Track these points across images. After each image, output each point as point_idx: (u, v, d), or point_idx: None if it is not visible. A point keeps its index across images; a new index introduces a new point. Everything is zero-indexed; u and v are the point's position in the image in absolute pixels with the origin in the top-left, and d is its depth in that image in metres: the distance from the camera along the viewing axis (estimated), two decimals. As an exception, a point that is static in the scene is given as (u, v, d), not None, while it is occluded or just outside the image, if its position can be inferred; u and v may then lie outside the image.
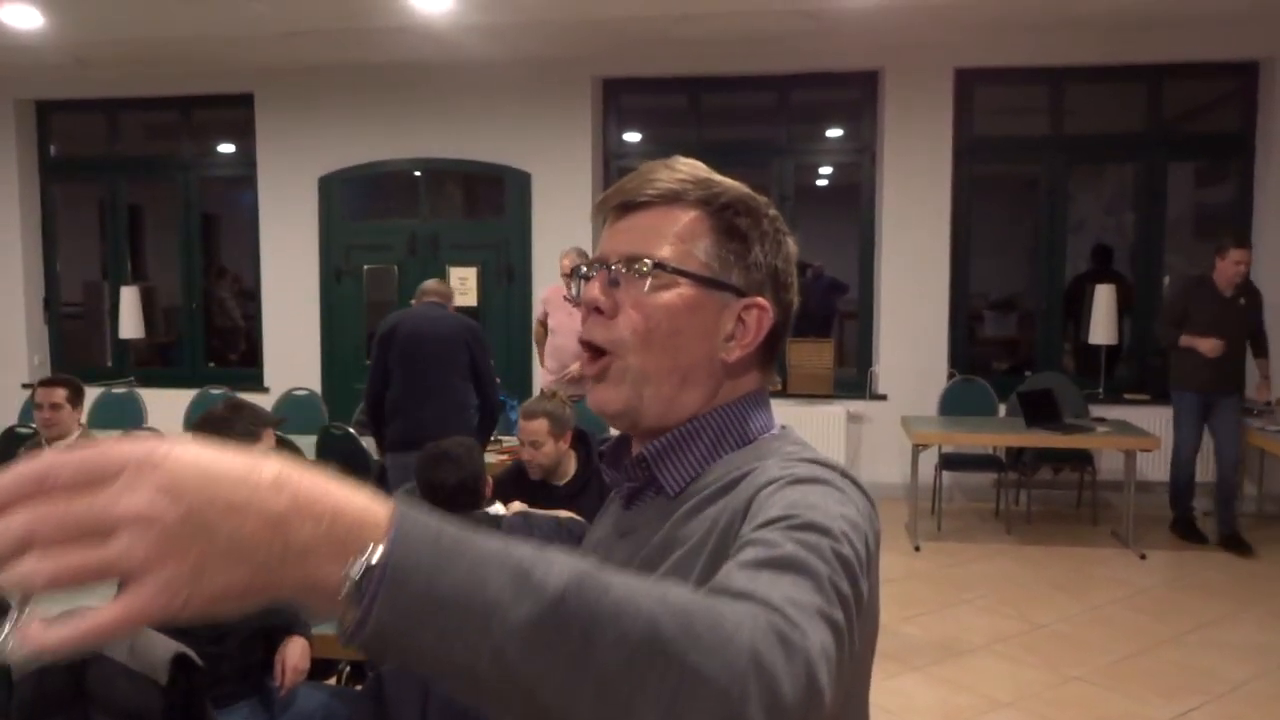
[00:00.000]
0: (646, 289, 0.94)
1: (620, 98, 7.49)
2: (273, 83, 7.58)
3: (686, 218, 0.96)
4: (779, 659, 0.60)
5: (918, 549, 5.85)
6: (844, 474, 0.87)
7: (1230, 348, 5.75)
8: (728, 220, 0.97)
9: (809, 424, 6.97)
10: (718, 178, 0.99)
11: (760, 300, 0.97)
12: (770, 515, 0.77)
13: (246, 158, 7.87)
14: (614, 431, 1.06)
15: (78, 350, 8.63)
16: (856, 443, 7.09)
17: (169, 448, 0.55)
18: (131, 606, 0.53)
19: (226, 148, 8.22)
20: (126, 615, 0.53)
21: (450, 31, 6.36)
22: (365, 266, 7.69)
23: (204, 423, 2.88)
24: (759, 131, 7.59)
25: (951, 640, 4.52)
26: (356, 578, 0.55)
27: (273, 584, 0.55)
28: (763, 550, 0.71)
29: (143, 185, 8.81)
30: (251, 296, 8.30)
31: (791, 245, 1.02)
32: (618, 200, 0.99)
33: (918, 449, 5.97)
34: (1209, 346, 5.69)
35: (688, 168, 0.99)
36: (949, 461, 6.46)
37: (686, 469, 0.96)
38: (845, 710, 0.84)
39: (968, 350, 7.46)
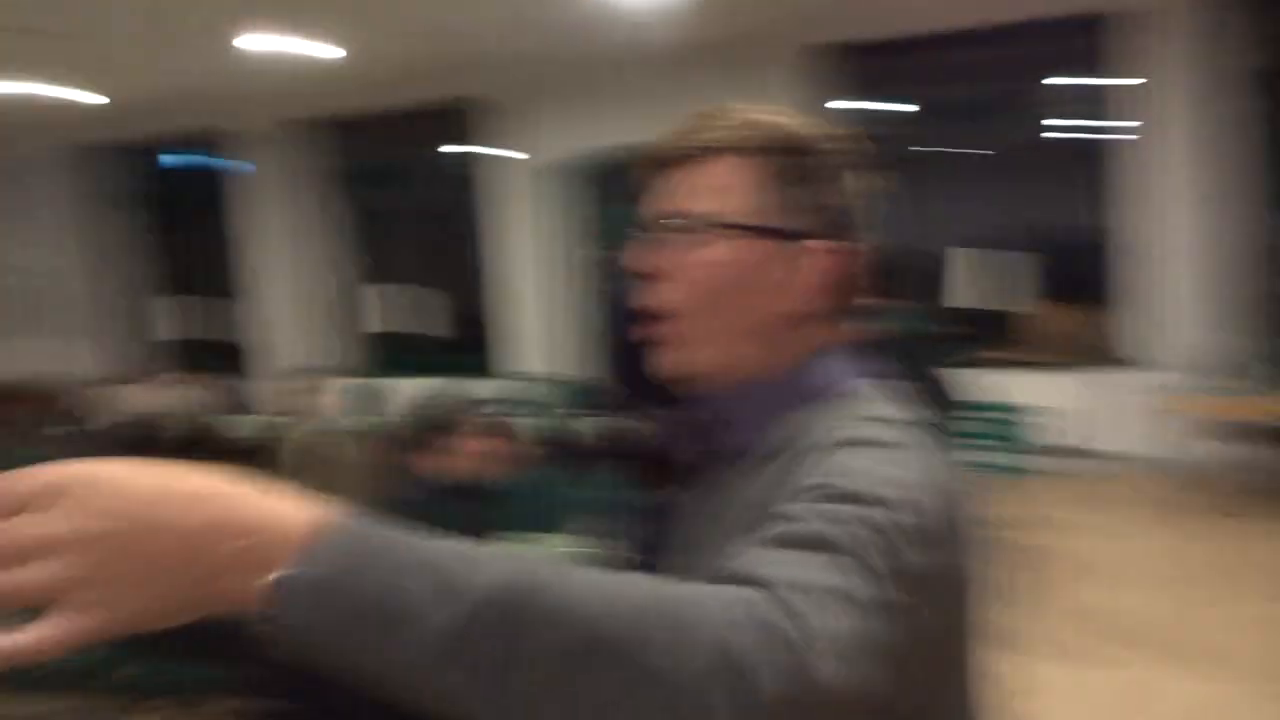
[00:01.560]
0: (689, 247, 0.88)
1: (837, 64, 7.14)
2: (492, 82, 7.84)
3: (727, 166, 0.89)
4: (758, 651, 0.55)
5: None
6: (914, 431, 0.81)
7: None
8: (774, 163, 0.89)
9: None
10: (763, 118, 0.91)
11: (818, 244, 0.89)
12: (804, 484, 0.72)
13: (473, 157, 8.26)
14: None
15: (335, 346, 9.34)
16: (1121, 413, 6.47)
17: (83, 469, 0.55)
18: (49, 632, 0.52)
19: (453, 149, 8.61)
20: (43, 641, 0.52)
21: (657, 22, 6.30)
22: (604, 253, 7.77)
23: (416, 419, 2.95)
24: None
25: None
26: (269, 591, 0.54)
27: (194, 601, 0.55)
28: (782, 526, 0.67)
29: (391, 192, 9.47)
30: (485, 288, 8.67)
31: (859, 180, 0.92)
32: (655, 157, 0.93)
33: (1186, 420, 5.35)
34: None
35: (728, 114, 0.91)
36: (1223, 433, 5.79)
37: (747, 429, 0.89)
38: (931, 705, 0.74)
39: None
